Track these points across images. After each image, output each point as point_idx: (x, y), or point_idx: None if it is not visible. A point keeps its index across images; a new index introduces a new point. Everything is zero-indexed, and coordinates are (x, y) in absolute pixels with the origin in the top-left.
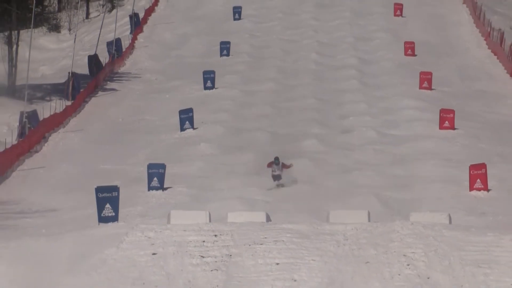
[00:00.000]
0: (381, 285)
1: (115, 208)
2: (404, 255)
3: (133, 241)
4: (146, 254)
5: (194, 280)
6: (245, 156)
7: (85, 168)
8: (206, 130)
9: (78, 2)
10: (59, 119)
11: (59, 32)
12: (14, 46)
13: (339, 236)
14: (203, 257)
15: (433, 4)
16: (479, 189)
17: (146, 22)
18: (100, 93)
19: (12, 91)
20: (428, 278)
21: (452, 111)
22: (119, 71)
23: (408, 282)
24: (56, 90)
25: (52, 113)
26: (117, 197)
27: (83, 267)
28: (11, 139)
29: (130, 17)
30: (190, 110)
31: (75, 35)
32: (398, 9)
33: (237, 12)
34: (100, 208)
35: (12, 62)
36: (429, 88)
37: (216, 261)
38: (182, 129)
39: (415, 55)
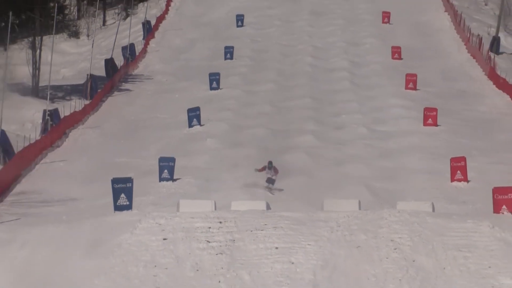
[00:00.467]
0: (370, 267)
1: (129, 198)
2: (391, 240)
3: (146, 227)
4: (157, 239)
5: (201, 262)
6: (247, 150)
7: (102, 161)
8: (212, 127)
9: (95, 11)
10: (78, 117)
11: (78, 37)
12: (38, 51)
13: (333, 223)
14: (209, 242)
15: (418, 12)
16: (459, 180)
17: (157, 29)
18: (115, 93)
19: (36, 91)
20: (414, 261)
21: (435, 109)
22: (132, 73)
23: (395, 264)
24: (75, 90)
25: (72, 111)
26: (131, 188)
27: (100, 251)
28: (35, 134)
29: (143, 24)
30: (197, 109)
31: (93, 41)
32: (386, 17)
33: (239, 20)
34: (116, 197)
35: (36, 65)
36: (414, 88)
37: (221, 246)
38: (190, 125)
39: (401, 59)
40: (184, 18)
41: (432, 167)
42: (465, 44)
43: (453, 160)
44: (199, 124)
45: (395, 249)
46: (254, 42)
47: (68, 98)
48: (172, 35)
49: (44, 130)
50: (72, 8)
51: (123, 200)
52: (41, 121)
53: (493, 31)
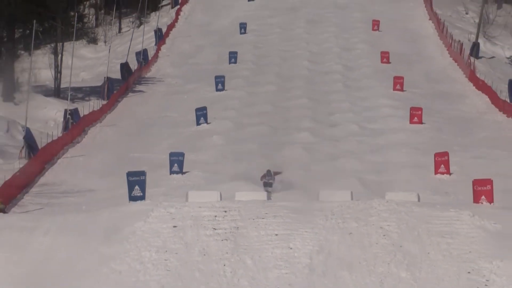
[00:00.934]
0: (362, 252)
1: (143, 189)
2: (380, 227)
3: (157, 216)
4: (168, 227)
5: (208, 248)
6: (249, 146)
7: (118, 156)
8: (218, 125)
9: (112, 19)
10: (96, 116)
11: (96, 44)
12: (59, 56)
13: (327, 212)
14: (215, 229)
15: (405, 20)
16: (442, 173)
17: (168, 36)
18: (130, 94)
19: (58, 92)
20: (401, 246)
21: (420, 109)
22: (145, 76)
23: (384, 249)
24: (94, 91)
25: (90, 110)
26: (144, 180)
27: (117, 237)
28: (57, 132)
29: (155, 31)
30: (204, 108)
31: (110, 46)
32: (376, 25)
33: (243, 27)
34: (130, 189)
35: (58, 68)
36: (401, 90)
37: (226, 232)
38: (198, 123)
39: (390, 63)
40: (192, 26)
41: (417, 161)
42: (447, 50)
43: (437, 155)
44: (206, 122)
45: (384, 235)
46: (256, 48)
47: (87, 98)
48: (182, 42)
49: (65, 127)
50: (90, 17)
51: (137, 191)
52: (62, 119)
53: (473, 38)
